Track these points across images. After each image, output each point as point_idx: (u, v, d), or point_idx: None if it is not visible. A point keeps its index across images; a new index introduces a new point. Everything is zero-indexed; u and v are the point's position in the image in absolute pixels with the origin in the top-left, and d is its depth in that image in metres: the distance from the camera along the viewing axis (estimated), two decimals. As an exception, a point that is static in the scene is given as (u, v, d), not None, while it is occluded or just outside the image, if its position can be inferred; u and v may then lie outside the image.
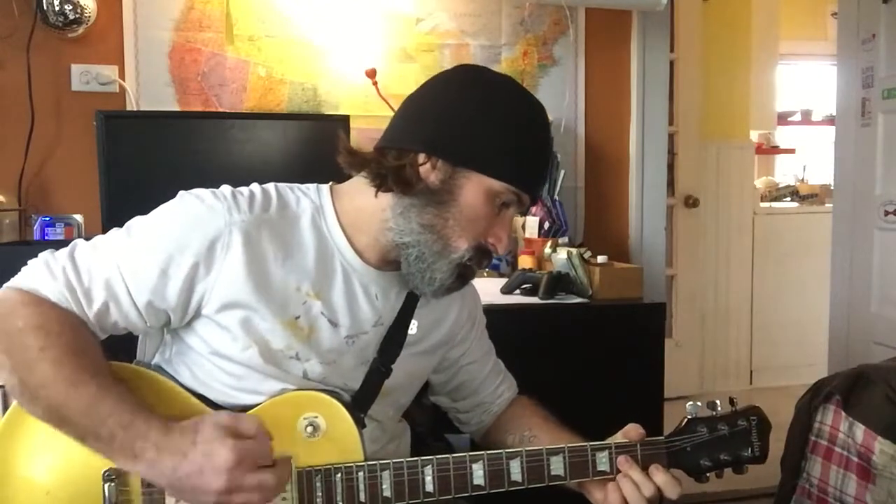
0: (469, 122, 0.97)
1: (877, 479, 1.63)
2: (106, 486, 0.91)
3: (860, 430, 1.66)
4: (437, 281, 0.98)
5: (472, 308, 1.19)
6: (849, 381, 1.73)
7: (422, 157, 0.97)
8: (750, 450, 1.01)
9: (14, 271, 0.96)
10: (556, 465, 0.98)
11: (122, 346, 1.02)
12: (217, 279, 0.94)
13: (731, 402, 1.03)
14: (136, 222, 0.97)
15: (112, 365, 0.95)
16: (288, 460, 0.94)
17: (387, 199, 0.99)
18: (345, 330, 1.01)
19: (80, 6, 2.10)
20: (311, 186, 1.05)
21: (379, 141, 1.02)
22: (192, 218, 0.95)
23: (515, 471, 0.98)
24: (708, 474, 1.02)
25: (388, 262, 1.03)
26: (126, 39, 2.20)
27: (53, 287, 0.91)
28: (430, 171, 0.96)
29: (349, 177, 1.05)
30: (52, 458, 0.93)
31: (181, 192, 0.98)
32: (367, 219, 1.01)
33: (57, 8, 2.08)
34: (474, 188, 0.96)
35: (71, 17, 2.10)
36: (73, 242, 0.96)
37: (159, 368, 1.03)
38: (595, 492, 1.02)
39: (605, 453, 0.99)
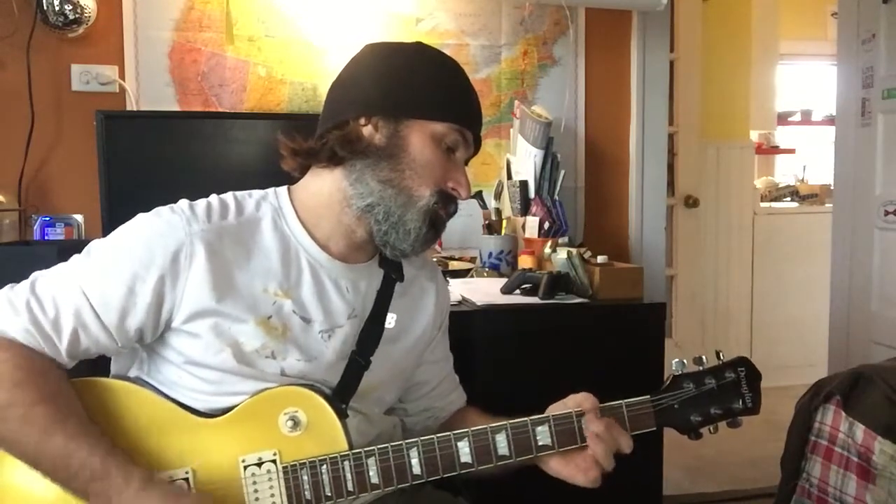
0: (396, 77, 1.02)
1: (877, 479, 1.63)
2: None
3: (860, 430, 1.66)
4: (412, 232, 1.01)
5: (443, 308, 1.20)
6: (849, 381, 1.73)
7: (362, 120, 1.01)
8: (741, 401, 1.00)
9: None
10: (543, 435, 0.98)
11: (101, 361, 1.02)
12: (184, 290, 0.94)
13: (718, 355, 1.03)
14: (96, 245, 0.97)
15: (89, 381, 0.95)
16: None
17: (341, 172, 1.02)
18: (318, 325, 1.01)
19: (80, 6, 2.10)
20: (269, 190, 1.07)
21: (317, 129, 1.06)
22: (152, 234, 0.95)
23: (502, 445, 0.97)
24: (701, 430, 1.01)
25: (355, 250, 1.05)
26: (126, 39, 2.20)
27: (18, 324, 0.90)
28: (373, 131, 1.01)
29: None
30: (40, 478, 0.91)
31: (138, 214, 0.99)
32: (327, 202, 1.03)
33: (57, 8, 2.08)
34: (418, 135, 1.00)
35: (71, 17, 2.09)
36: (32, 275, 0.95)
37: (140, 381, 1.02)
38: (550, 460, 1.01)
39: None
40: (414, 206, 1.00)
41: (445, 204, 1.03)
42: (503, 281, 1.83)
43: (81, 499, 0.88)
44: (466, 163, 1.07)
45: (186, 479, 0.95)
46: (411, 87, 1.01)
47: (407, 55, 1.05)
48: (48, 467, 0.87)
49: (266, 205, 1.04)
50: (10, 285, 0.95)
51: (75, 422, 0.89)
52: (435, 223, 1.03)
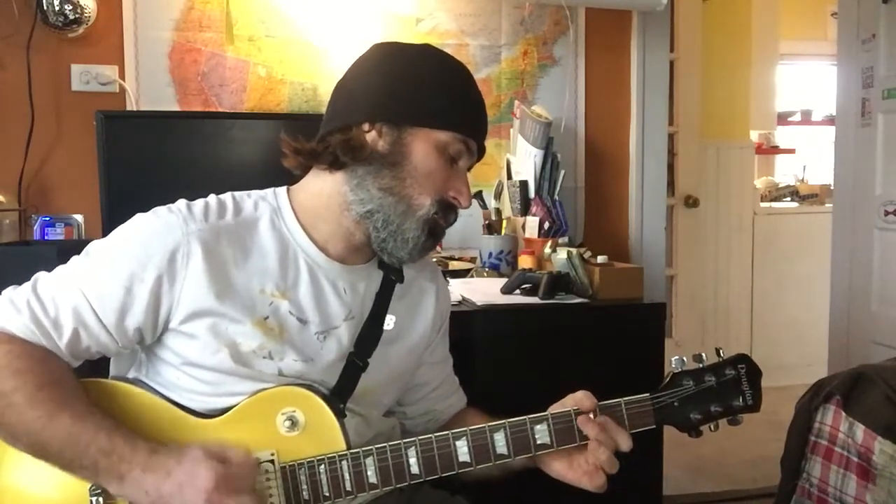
0: (403, 83, 1.01)
1: (877, 479, 1.63)
2: (93, 499, 0.92)
3: (860, 430, 1.66)
4: (411, 241, 1.01)
5: (443, 310, 1.20)
6: (849, 381, 1.73)
7: (366, 126, 1.00)
8: (741, 398, 1.00)
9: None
10: (541, 434, 0.97)
11: (100, 362, 1.03)
12: (182, 290, 0.94)
13: (718, 352, 1.03)
14: (95, 246, 0.97)
15: (89, 382, 0.96)
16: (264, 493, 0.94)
17: (342, 177, 1.01)
18: (314, 326, 1.01)
19: (80, 6, 2.10)
20: (268, 190, 1.07)
21: (320, 130, 1.05)
22: (150, 234, 0.96)
23: (500, 443, 0.97)
24: (701, 428, 1.00)
25: (353, 252, 1.05)
26: (126, 39, 2.20)
27: (19, 322, 0.91)
28: (376, 138, 1.00)
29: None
30: (40, 473, 0.92)
31: (137, 214, 0.99)
32: (326, 204, 1.03)
33: (57, 8, 2.08)
34: (422, 144, 1.00)
35: (71, 17, 2.09)
36: (34, 276, 0.96)
37: (139, 382, 1.02)
38: (553, 463, 1.01)
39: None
40: (413, 214, 1.00)
41: (445, 213, 1.03)
42: (503, 281, 1.83)
43: (91, 479, 0.89)
44: (469, 169, 1.07)
45: None
46: (417, 94, 1.00)
47: (414, 60, 1.04)
48: (56, 449, 0.87)
49: (264, 205, 1.04)
50: (12, 286, 0.95)
51: (80, 404, 0.89)
52: (434, 232, 1.02)
